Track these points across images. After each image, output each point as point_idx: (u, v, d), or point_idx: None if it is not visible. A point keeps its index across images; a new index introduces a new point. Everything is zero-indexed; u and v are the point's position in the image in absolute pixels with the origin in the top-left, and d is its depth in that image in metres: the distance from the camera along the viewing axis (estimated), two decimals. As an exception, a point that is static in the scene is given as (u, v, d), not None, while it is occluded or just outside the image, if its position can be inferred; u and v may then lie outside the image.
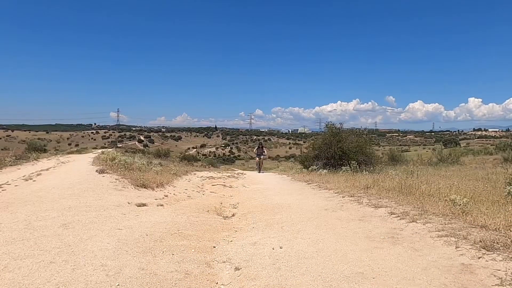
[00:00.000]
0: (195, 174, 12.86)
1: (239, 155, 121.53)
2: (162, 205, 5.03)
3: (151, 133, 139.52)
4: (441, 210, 3.42)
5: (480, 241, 2.35)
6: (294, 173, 12.74)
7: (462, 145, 70.46)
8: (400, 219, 3.27)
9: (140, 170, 8.26)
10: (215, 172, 16.91)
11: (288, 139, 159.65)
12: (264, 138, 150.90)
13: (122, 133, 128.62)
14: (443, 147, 57.72)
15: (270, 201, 5.41)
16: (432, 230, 2.78)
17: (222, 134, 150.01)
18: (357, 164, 12.73)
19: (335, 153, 13.24)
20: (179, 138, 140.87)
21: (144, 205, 4.81)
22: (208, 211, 4.72)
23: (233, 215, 4.63)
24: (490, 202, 3.77)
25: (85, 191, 5.26)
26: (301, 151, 16.82)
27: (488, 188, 5.30)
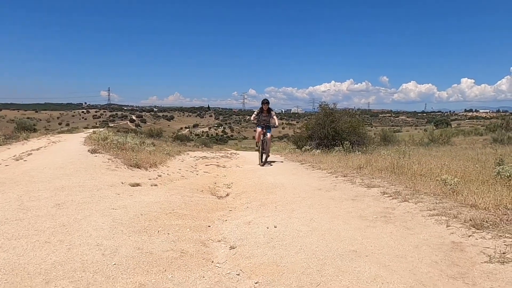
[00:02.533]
0: (188, 154, 12.85)
1: (232, 135, 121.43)
2: (156, 185, 5.03)
3: (143, 113, 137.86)
4: (433, 189, 3.49)
5: (470, 220, 2.41)
6: (287, 153, 12.79)
7: (453, 126, 71.31)
8: (392, 198, 3.32)
9: (133, 150, 8.20)
10: (208, 152, 16.91)
11: (281, 119, 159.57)
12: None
13: (114, 113, 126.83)
14: (434, 127, 58.30)
15: (263, 181, 5.45)
16: (423, 209, 2.84)
17: (215, 114, 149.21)
18: (350, 144, 12.83)
19: (328, 133, 13.30)
20: (172, 117, 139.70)
21: (138, 185, 4.80)
22: (202, 191, 4.73)
23: (227, 194, 4.65)
24: (480, 181, 3.85)
25: (78, 171, 5.22)
26: (294, 131, 16.05)
27: (478, 168, 5.40)
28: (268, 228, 2.79)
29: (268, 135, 7.77)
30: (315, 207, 3.36)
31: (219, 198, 4.38)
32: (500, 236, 2.11)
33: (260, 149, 8.20)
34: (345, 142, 12.11)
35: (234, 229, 2.88)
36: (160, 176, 5.89)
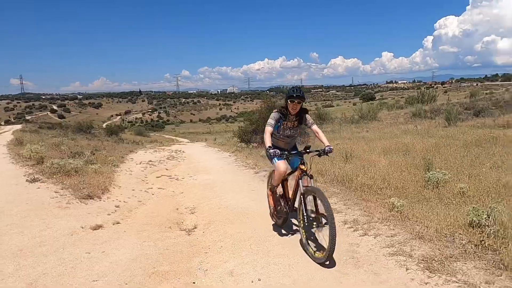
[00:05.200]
0: (132, 159, 12.34)
1: (168, 120, 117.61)
2: (119, 223, 4.91)
3: (66, 101, 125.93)
4: (384, 215, 4.03)
5: (422, 260, 2.92)
6: (235, 150, 12.99)
7: (377, 98, 77.83)
8: (354, 230, 3.77)
9: (77, 172, 7.70)
10: (151, 151, 16.38)
11: (218, 100, 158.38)
12: (193, 101, 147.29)
13: (30, 103, 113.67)
14: (362, 102, 62.90)
15: (226, 204, 5.62)
16: (383, 246, 3.31)
17: (148, 98, 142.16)
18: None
19: (272, 127, 13.68)
20: (100, 105, 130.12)
21: (100, 227, 4.64)
22: (170, 227, 4.75)
23: (195, 227, 4.74)
24: (419, 199, 4.53)
25: (26, 217, 4.83)
26: (239, 127, 16.19)
27: (409, 168, 6.21)
28: (252, 281, 3.02)
29: (310, 181, 3.48)
30: (289, 246, 3.66)
31: (189, 234, 4.46)
32: (448, 280, 2.62)
33: (281, 215, 4.10)
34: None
35: (220, 285, 3.05)
36: (118, 206, 5.70)
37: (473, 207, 3.59)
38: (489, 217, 3.38)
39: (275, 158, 3.78)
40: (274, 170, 4.16)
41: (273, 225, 4.37)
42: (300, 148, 4.00)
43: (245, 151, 12.22)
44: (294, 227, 4.20)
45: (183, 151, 15.72)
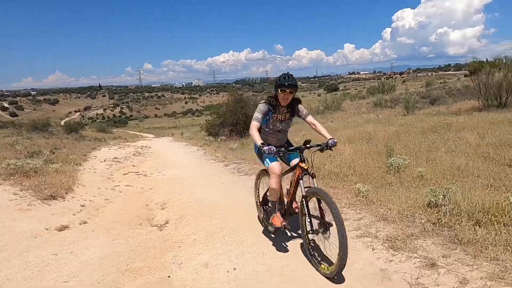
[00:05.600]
0: (95, 157, 11.88)
1: (131, 115, 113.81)
2: (86, 222, 4.76)
3: (18, 98, 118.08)
4: (350, 200, 4.23)
5: (387, 240, 3.12)
6: (203, 144, 12.90)
7: (341, 89, 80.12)
8: (323, 216, 3.92)
9: (37, 172, 7.31)
10: (115, 147, 15.87)
11: (183, 93, 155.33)
12: (157, 95, 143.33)
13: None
14: (326, 93, 64.35)
15: (197, 197, 5.61)
16: (351, 229, 3.48)
17: (109, 93, 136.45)
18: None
19: (240, 119, 13.80)
20: (56, 101, 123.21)
21: (66, 227, 4.48)
22: (141, 223, 4.68)
23: (167, 222, 4.70)
24: (381, 183, 4.80)
25: (-17, 221, 4.55)
26: (206, 121, 16.00)
27: (373, 155, 6.52)
28: (228, 271, 3.07)
29: (313, 181, 3.03)
30: (262, 235, 3.75)
31: (160, 230, 4.42)
32: (410, 257, 2.83)
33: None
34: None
35: (196, 276, 3.07)
36: (83, 206, 5.51)
37: (431, 189, 3.86)
38: (445, 197, 3.65)
39: (268, 159, 3.27)
40: (261, 174, 3.95)
41: (263, 231, 3.92)
42: (296, 142, 3.67)
43: (214, 145, 12.17)
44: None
45: (150, 147, 15.37)
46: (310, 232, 2.95)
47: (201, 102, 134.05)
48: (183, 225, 4.49)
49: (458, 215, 3.37)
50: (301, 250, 3.30)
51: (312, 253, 3.02)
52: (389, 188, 4.59)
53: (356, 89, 64.32)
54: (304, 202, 3.00)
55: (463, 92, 23.32)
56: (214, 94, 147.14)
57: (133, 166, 9.99)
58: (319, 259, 2.97)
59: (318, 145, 3.19)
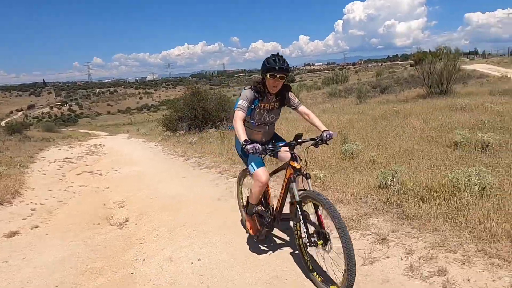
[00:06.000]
0: (43, 158, 11.17)
1: (82, 113, 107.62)
2: (38, 227, 4.50)
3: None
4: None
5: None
6: (161, 140, 12.60)
7: (297, 80, 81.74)
8: (283, 203, 4.06)
9: (-24, 177, 6.74)
10: (64, 146, 15.02)
11: (137, 88, 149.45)
12: (109, 90, 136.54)
13: None
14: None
15: (157, 193, 5.52)
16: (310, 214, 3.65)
17: (55, 90, 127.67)
18: (219, 121, 13.56)
19: (198, 113, 13.66)
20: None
21: (16, 233, 4.21)
22: (99, 223, 4.52)
23: (127, 220, 4.59)
24: (337, 169, 5.05)
25: None
26: (163, 116, 15.58)
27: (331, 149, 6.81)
28: (192, 263, 3.09)
29: (307, 183, 2.57)
30: (224, 225, 3.80)
31: (120, 228, 4.31)
32: (364, 234, 3.04)
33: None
34: (218, 123, 12.79)
35: (159, 271, 3.06)
36: (34, 210, 5.19)
37: (381, 171, 4.14)
38: (393, 178, 3.94)
39: (253, 163, 2.74)
40: (244, 175, 3.52)
41: (250, 239, 3.75)
42: (287, 137, 3.15)
43: (172, 140, 11.94)
44: (229, 211, 4.35)
45: (104, 145, 14.71)
46: (308, 245, 2.43)
47: (157, 97, 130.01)
48: (144, 222, 4.41)
49: (405, 194, 3.67)
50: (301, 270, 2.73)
51: (311, 267, 2.56)
52: (344, 173, 4.84)
53: (312, 80, 66.15)
54: (298, 209, 2.49)
55: (409, 80, 24.91)
56: (170, 88, 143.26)
57: (87, 165, 9.53)
58: (320, 279, 2.49)
59: (311, 139, 2.71)
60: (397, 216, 3.29)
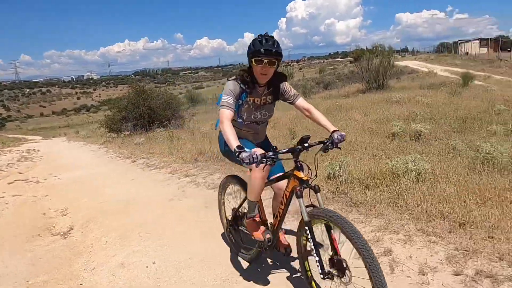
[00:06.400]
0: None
1: (10, 116, 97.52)
2: (-35, 244, 4.01)
3: None
4: (262, 181, 4.49)
5: (294, 214, 3.43)
6: (105, 141, 11.92)
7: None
8: (238, 199, 4.08)
9: None
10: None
11: (73, 88, 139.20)
12: (41, 91, 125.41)
13: None
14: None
15: (104, 198, 5.22)
16: (267, 206, 3.71)
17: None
18: (167, 121, 13.22)
19: (144, 112, 13.18)
20: None
21: None
22: (39, 234, 4.16)
23: (71, 228, 4.29)
24: (286, 163, 5.18)
25: None
26: (105, 116, 14.77)
27: (278, 138, 6.98)
28: (147, 266, 2.99)
29: (317, 198, 2.12)
30: (180, 227, 3.72)
31: (64, 238, 4.01)
32: (317, 223, 3.19)
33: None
34: (166, 122, 12.44)
35: (112, 279, 2.92)
36: (-41, 225, 4.62)
37: (329, 163, 4.36)
38: (340, 169, 4.17)
39: (248, 158, 1.92)
40: (228, 183, 2.98)
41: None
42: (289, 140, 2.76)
43: (117, 141, 11.36)
44: (184, 211, 4.27)
45: (38, 150, 13.52)
46: (321, 276, 1.98)
47: (96, 96, 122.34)
48: (91, 229, 4.15)
49: (352, 183, 3.91)
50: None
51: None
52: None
53: (259, 77, 66.87)
54: (306, 231, 2.00)
55: (350, 76, 26.36)
56: (111, 87, 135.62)
57: (20, 173, 8.69)
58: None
59: (320, 143, 2.21)
60: (345, 204, 3.49)
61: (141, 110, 12.99)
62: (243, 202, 2.74)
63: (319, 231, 2.02)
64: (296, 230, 2.26)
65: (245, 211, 2.65)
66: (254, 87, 2.31)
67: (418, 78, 19.64)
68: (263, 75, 2.23)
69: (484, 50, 36.25)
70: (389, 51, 16.83)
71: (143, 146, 8.83)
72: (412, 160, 3.95)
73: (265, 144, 2.66)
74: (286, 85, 2.44)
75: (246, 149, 1.96)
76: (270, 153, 1.99)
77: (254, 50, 2.16)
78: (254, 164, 1.90)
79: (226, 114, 2.18)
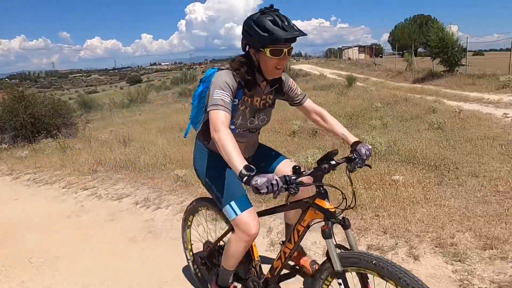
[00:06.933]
0: None
1: None
2: None
3: None
4: (171, 187, 4.36)
5: (207, 214, 3.44)
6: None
7: (144, 80, 78.26)
8: (147, 208, 3.88)
9: None
10: None
11: None
12: None
13: None
14: (129, 85, 61.44)
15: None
16: (175, 213, 3.62)
17: None
18: (56, 129, 11.81)
19: (26, 122, 11.51)
20: None
21: None
22: None
23: None
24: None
25: None
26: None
27: (185, 142, 6.88)
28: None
29: (349, 236, 1.52)
30: (81, 246, 3.35)
31: None
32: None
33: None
34: (55, 132, 11.08)
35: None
36: None
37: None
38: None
39: (234, 202, 1.68)
40: (198, 207, 2.29)
41: None
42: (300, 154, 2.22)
43: (-8, 156, 9.59)
44: (85, 227, 3.86)
45: None
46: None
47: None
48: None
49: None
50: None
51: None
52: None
53: (160, 80, 64.47)
54: (338, 282, 1.45)
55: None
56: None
57: None
58: None
59: (346, 159, 1.69)
60: (256, 201, 3.64)
61: (22, 119, 11.25)
62: (225, 234, 2.04)
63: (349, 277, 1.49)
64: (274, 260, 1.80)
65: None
66: (254, 85, 1.69)
67: (312, 80, 21.57)
68: (277, 70, 1.61)
69: (362, 56, 42.21)
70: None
71: (28, 160, 7.63)
72: (312, 155, 4.35)
73: (261, 155, 2.03)
74: (291, 81, 1.88)
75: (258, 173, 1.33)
76: (293, 177, 1.36)
77: (271, 36, 1.48)
78: (272, 194, 1.30)
79: (223, 118, 1.50)
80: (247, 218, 1.66)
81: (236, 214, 1.66)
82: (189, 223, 2.42)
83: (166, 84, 44.97)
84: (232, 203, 1.68)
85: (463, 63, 16.51)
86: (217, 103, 1.53)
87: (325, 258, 1.52)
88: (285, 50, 1.54)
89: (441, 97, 10.79)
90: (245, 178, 1.33)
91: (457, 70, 16.35)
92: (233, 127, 1.73)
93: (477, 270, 2.26)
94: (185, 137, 2.05)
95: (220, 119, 1.50)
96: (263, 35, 1.49)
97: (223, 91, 1.56)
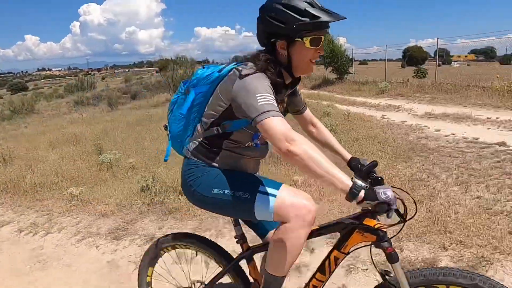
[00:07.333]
0: None
1: None
2: None
3: None
4: (64, 208, 3.92)
5: (109, 233, 3.20)
6: None
7: (31, 88, 68.59)
8: (34, 234, 3.40)
9: None
10: None
11: None
12: None
13: None
14: (11, 94, 53.46)
15: None
16: (70, 236, 3.26)
17: None
18: None
19: None
20: None
21: None
22: None
23: None
24: (95, 182, 4.75)
25: None
26: None
27: (82, 156, 6.29)
28: None
29: (399, 272, 1.20)
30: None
31: None
32: (133, 239, 3.07)
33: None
34: None
35: None
36: None
37: (141, 175, 4.28)
38: (153, 180, 4.17)
39: (270, 187, 1.28)
40: (159, 251, 1.73)
41: None
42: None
43: None
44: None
45: None
46: None
47: None
48: None
49: (166, 191, 3.98)
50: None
51: None
52: (104, 184, 4.63)
53: (51, 87, 57.42)
54: None
55: (157, 86, 26.49)
56: None
57: None
58: None
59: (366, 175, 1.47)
60: (161, 213, 3.53)
61: None
62: (218, 277, 1.61)
63: None
64: None
65: None
66: (282, 90, 1.37)
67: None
68: (312, 64, 1.33)
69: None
70: (191, 61, 18.03)
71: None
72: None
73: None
74: (297, 87, 1.57)
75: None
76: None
77: (314, 22, 1.20)
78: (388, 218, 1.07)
79: (287, 125, 1.14)
80: (293, 192, 1.26)
81: (275, 196, 1.24)
82: (147, 268, 1.74)
83: (58, 92, 40.30)
84: (262, 188, 1.27)
85: (351, 72, 18.72)
86: (268, 109, 1.13)
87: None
88: (323, 37, 1.27)
89: (334, 101, 12.04)
90: (364, 192, 1.04)
91: (346, 78, 18.46)
92: (257, 141, 1.42)
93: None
94: (165, 161, 1.65)
95: (285, 126, 1.12)
96: (304, 21, 1.20)
97: (269, 94, 1.18)
